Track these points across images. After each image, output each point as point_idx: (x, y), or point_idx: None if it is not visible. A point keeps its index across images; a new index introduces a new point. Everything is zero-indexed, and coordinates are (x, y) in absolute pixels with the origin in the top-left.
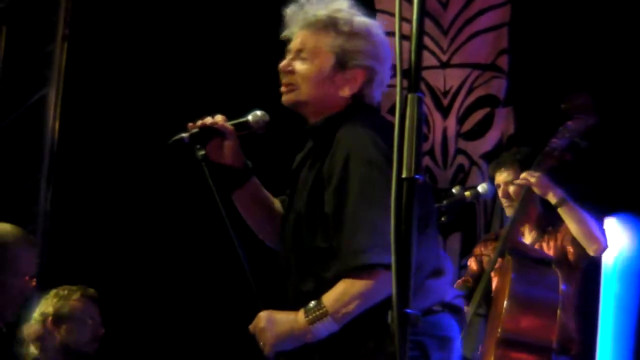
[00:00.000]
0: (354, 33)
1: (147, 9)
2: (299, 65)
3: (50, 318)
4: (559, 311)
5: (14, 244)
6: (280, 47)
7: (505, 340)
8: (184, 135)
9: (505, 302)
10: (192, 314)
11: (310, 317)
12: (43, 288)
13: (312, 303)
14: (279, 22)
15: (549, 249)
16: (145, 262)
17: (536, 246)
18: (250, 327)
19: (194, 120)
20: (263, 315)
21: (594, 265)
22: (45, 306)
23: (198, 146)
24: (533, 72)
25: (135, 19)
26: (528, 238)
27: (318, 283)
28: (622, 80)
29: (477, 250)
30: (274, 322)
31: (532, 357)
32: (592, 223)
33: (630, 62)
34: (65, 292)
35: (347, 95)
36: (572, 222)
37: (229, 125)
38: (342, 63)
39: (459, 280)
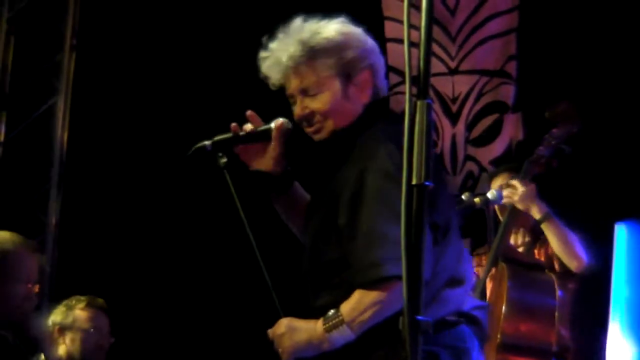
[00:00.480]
0: (338, 47)
1: (155, 18)
2: (313, 104)
3: (56, 327)
4: (556, 314)
5: (14, 252)
6: None
7: (506, 345)
8: (207, 143)
9: (503, 309)
10: (205, 322)
11: (328, 325)
12: (54, 297)
13: (331, 311)
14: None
15: (539, 256)
16: (156, 270)
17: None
18: (269, 332)
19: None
20: (283, 322)
21: (603, 271)
22: (53, 316)
23: (220, 154)
24: (542, 78)
25: (144, 28)
26: (521, 246)
27: (331, 297)
28: (631, 84)
29: (475, 262)
30: (293, 330)
31: None
32: (574, 240)
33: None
34: (73, 302)
35: (367, 101)
36: (554, 238)
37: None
38: (347, 77)
39: None
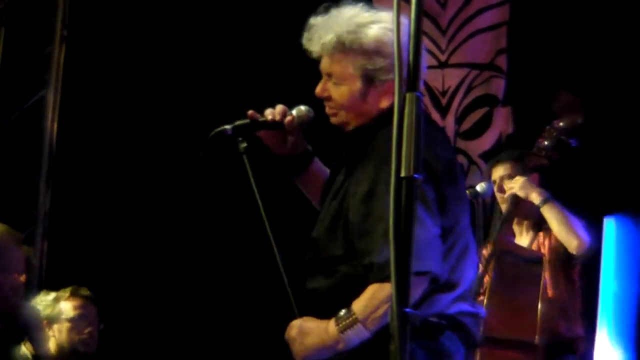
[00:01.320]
0: (368, 52)
1: (145, 10)
2: (333, 91)
3: (44, 320)
4: (539, 306)
5: (1, 243)
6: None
7: (488, 338)
8: (227, 127)
9: (485, 301)
10: (192, 314)
11: (341, 325)
12: (44, 288)
13: (343, 311)
14: (280, 16)
15: (544, 248)
16: (146, 261)
17: (533, 246)
18: (285, 336)
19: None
20: (295, 324)
21: (592, 264)
22: (42, 308)
23: (240, 139)
24: (532, 71)
25: (133, 20)
26: (525, 237)
27: (325, 282)
28: (621, 80)
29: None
30: (305, 333)
31: (516, 354)
32: (574, 222)
33: (630, 61)
34: (58, 293)
35: (386, 107)
36: (553, 221)
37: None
38: (370, 81)
39: None
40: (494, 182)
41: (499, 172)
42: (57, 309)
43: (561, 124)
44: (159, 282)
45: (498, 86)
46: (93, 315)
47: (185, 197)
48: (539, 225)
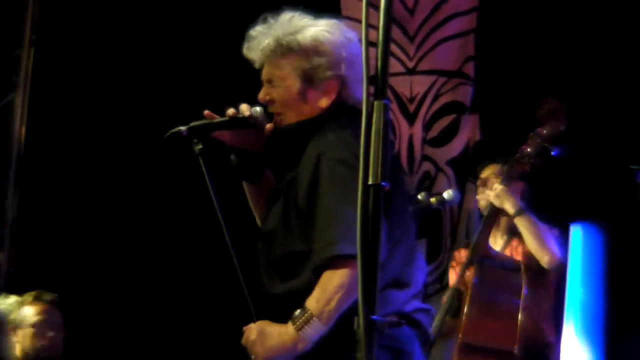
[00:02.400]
0: (306, 51)
1: (114, 14)
2: (273, 94)
3: (10, 326)
4: (519, 316)
5: None
6: None
7: (467, 345)
8: (182, 128)
9: (465, 308)
10: (156, 318)
11: (298, 323)
12: (11, 293)
13: (297, 311)
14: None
15: (517, 254)
16: (113, 265)
17: (506, 251)
18: (242, 340)
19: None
20: (254, 327)
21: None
22: (6, 313)
23: (196, 140)
24: (499, 79)
25: (103, 24)
26: (499, 242)
27: (287, 284)
28: (586, 87)
29: (457, 256)
30: (265, 335)
31: None
32: (546, 235)
33: (597, 69)
34: (22, 298)
35: (325, 106)
36: (526, 233)
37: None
38: (309, 81)
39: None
40: (481, 178)
41: (489, 170)
42: (21, 315)
43: (544, 131)
44: (124, 286)
45: (466, 93)
46: (57, 321)
47: (149, 200)
48: (513, 231)
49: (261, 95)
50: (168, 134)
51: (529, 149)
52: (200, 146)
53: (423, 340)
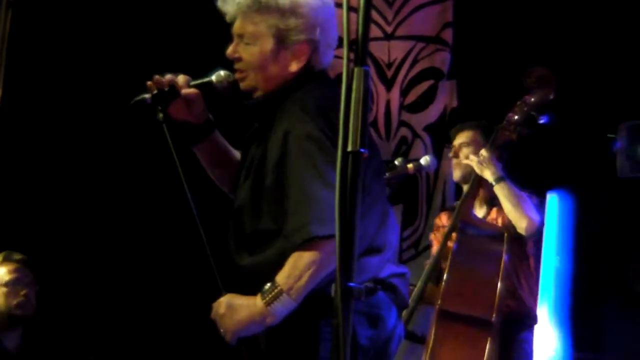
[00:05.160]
0: (282, 10)
1: None
2: (243, 52)
3: None
4: (498, 284)
5: None
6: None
7: (445, 312)
8: (146, 96)
9: (445, 275)
10: (121, 280)
11: (267, 298)
12: None
13: (267, 285)
14: None
15: (497, 223)
16: (81, 231)
17: (487, 220)
18: (212, 315)
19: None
20: (223, 301)
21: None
22: None
23: (159, 107)
24: (477, 45)
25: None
26: (479, 211)
27: (258, 260)
28: (566, 54)
29: (438, 221)
30: (234, 309)
31: (470, 329)
32: (525, 202)
33: (578, 36)
34: None
35: (295, 71)
36: (505, 200)
37: (192, 91)
38: (281, 41)
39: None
40: (453, 146)
41: (460, 138)
42: None
43: (532, 99)
44: (90, 247)
45: (443, 59)
46: (28, 279)
47: (115, 167)
48: (493, 201)
49: (230, 50)
50: (132, 101)
51: (516, 117)
52: (163, 114)
53: (400, 305)
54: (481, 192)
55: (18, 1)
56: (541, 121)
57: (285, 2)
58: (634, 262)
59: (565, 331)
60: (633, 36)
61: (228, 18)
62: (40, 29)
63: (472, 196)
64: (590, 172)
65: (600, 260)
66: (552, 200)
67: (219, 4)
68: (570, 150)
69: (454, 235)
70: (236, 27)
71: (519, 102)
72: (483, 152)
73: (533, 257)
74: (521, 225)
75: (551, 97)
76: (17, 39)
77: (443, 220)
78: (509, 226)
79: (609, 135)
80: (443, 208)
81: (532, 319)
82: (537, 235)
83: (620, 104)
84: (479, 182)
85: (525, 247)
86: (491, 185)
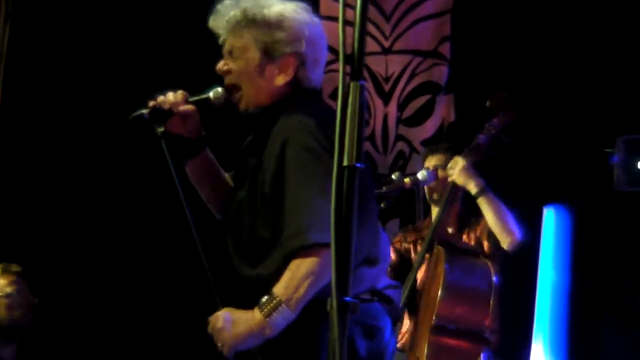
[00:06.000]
0: (269, 24)
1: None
2: (232, 64)
3: None
4: (491, 301)
5: None
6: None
7: (439, 327)
8: (144, 111)
9: (439, 292)
10: (119, 290)
11: (265, 310)
12: None
13: (265, 297)
14: None
15: (469, 240)
16: (77, 240)
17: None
18: (209, 329)
19: (149, 98)
20: (220, 314)
21: (531, 254)
22: None
23: (157, 123)
24: (474, 59)
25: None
26: (450, 231)
27: (257, 272)
28: (564, 69)
29: (397, 240)
30: (232, 322)
31: (465, 343)
32: (508, 216)
33: (575, 50)
34: None
35: (281, 84)
36: (489, 213)
37: (189, 107)
38: (268, 54)
39: None
40: (427, 168)
41: (432, 161)
42: None
43: (496, 121)
44: (86, 258)
45: (441, 74)
46: (27, 291)
47: (115, 178)
48: (463, 220)
49: (219, 65)
50: (131, 116)
51: (483, 139)
52: (162, 129)
53: (394, 316)
54: (452, 213)
55: (16, 12)
56: (505, 143)
57: (272, 16)
58: (632, 276)
59: (562, 347)
60: (630, 50)
61: (220, 39)
62: (39, 40)
63: (448, 212)
64: (587, 186)
65: (598, 274)
66: (549, 214)
67: (210, 23)
68: (567, 164)
69: (439, 252)
70: (226, 45)
71: (486, 125)
72: (459, 159)
73: (497, 278)
74: (505, 240)
75: (513, 120)
76: (15, 50)
77: (402, 240)
78: (481, 243)
79: (606, 149)
80: (405, 228)
81: (524, 333)
82: (519, 249)
83: (617, 117)
84: (455, 197)
85: (494, 264)
86: (467, 205)
